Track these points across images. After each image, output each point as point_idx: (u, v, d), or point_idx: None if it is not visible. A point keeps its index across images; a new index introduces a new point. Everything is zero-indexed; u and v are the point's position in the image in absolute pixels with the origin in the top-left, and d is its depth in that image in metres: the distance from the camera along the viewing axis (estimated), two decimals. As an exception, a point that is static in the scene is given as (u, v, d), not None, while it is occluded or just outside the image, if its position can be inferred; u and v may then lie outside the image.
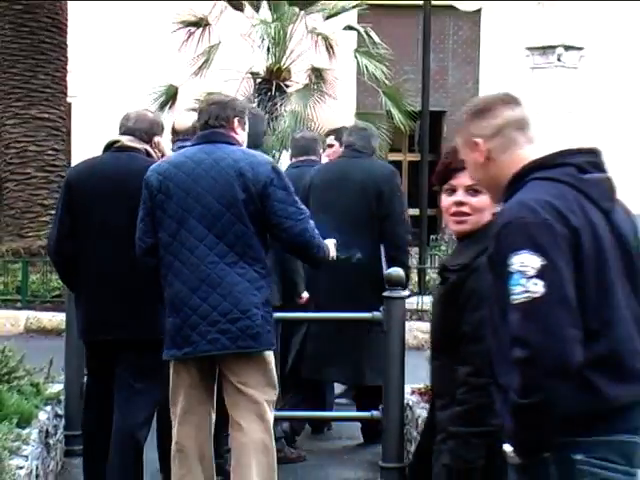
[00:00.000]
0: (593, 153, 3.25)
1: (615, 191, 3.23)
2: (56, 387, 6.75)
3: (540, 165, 3.17)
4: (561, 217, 3.01)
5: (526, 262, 2.95)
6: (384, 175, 7.53)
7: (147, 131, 5.84)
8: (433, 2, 16.64)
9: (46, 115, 13.59)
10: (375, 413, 6.66)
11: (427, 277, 14.33)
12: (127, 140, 5.74)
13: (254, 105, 15.84)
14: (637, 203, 20.76)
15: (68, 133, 16.17)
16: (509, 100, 3.31)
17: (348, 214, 7.23)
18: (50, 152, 13.92)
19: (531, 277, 2.93)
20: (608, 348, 2.98)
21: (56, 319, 12.04)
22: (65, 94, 14.29)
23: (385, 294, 6.52)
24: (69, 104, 16.46)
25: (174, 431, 5.29)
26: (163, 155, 5.96)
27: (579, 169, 3.16)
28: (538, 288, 2.92)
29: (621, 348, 3.01)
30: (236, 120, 5.35)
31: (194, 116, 6.29)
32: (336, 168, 7.61)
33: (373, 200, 7.35)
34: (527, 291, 2.93)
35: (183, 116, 7.12)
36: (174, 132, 6.76)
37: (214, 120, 5.30)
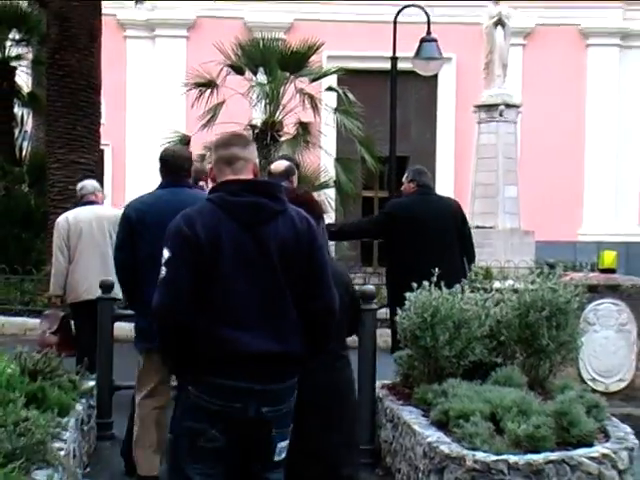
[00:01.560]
0: (248, 182, 3.64)
1: (261, 210, 3.59)
2: (90, 383, 6.72)
3: (213, 190, 3.70)
4: (191, 226, 3.53)
5: (163, 254, 3.59)
6: (458, 206, 8.01)
7: (193, 176, 6.23)
8: (398, 68, 16.72)
9: (83, 160, 13.56)
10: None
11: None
12: None
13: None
14: (564, 229, 20.62)
15: (101, 175, 16.11)
16: (226, 142, 3.75)
17: (444, 234, 7.54)
18: (85, 190, 13.90)
19: (162, 265, 3.57)
20: (211, 319, 3.51)
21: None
22: (98, 143, 14.28)
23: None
24: (102, 151, 16.45)
25: (141, 403, 5.57)
26: None
27: (231, 193, 3.60)
28: (163, 273, 3.56)
29: (223, 320, 3.52)
30: (192, 170, 5.86)
31: (286, 163, 6.81)
32: (423, 203, 7.69)
33: (460, 224, 7.77)
34: (160, 273, 3.57)
35: (278, 163, 7.43)
36: (270, 174, 7.12)
37: (180, 169, 5.69)
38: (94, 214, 8.02)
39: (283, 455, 3.69)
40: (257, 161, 3.79)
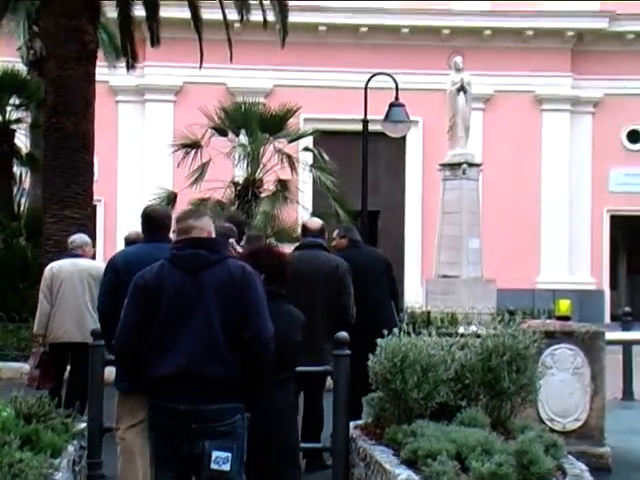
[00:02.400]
0: (190, 240, 4.14)
1: (199, 260, 4.08)
2: (81, 425, 6.63)
3: (173, 246, 4.23)
4: (143, 276, 4.16)
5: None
6: (385, 255, 8.34)
7: (225, 235, 6.22)
8: (369, 130, 16.85)
9: (77, 215, 13.49)
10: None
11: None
12: None
13: (234, 207, 15.94)
14: (523, 278, 20.66)
15: (93, 228, 16.07)
16: (183, 216, 4.28)
17: (380, 281, 7.78)
18: (79, 243, 13.82)
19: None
20: (151, 346, 4.01)
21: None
22: (91, 199, 14.25)
23: (334, 352, 6.47)
24: (94, 206, 16.43)
25: (122, 436, 5.48)
26: (236, 251, 6.54)
27: (178, 249, 4.15)
28: (121, 314, 4.19)
29: (160, 351, 3.98)
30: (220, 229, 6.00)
31: (319, 221, 6.90)
32: (361, 255, 7.87)
33: (388, 271, 7.96)
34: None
35: (313, 221, 7.86)
36: (306, 229, 7.21)
37: (162, 226, 5.75)
38: (76, 266, 8.39)
39: (225, 467, 3.94)
40: (211, 228, 4.27)
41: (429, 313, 16.54)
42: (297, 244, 7.84)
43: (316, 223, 7.57)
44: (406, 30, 26.41)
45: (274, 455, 4.87)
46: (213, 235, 4.25)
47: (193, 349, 3.94)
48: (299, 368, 5.75)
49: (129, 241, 8.26)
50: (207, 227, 4.22)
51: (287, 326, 4.75)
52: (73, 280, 8.30)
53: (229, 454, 3.92)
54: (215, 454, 3.90)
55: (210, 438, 3.90)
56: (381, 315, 7.61)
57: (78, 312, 8.24)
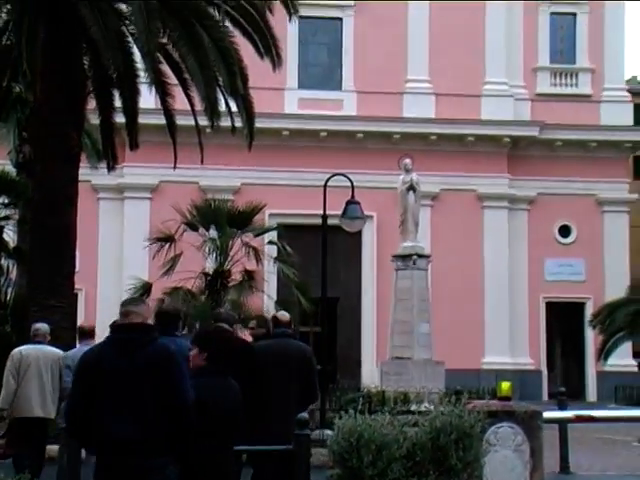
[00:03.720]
0: (125, 325, 4.48)
1: (131, 343, 4.41)
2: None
3: (112, 330, 4.54)
4: (85, 355, 4.53)
5: None
6: None
7: (231, 322, 7.08)
8: (328, 224, 16.99)
9: (60, 304, 13.38)
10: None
11: (326, 415, 14.07)
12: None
13: (204, 296, 15.89)
14: (469, 359, 20.62)
15: (75, 314, 15.87)
16: (125, 303, 4.60)
17: None
18: (61, 328, 13.64)
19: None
20: (96, 415, 4.33)
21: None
22: (73, 288, 14.14)
23: (295, 432, 6.42)
24: (76, 294, 16.26)
25: None
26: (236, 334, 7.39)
27: (114, 332, 4.49)
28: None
29: (102, 415, 4.32)
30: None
31: (288, 315, 7.68)
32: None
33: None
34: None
35: (283, 314, 7.98)
36: (278, 321, 7.49)
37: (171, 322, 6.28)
38: (41, 351, 9.02)
39: None
40: (147, 315, 4.62)
41: (384, 393, 16.46)
42: (272, 333, 7.90)
43: (286, 316, 7.95)
44: (361, 135, 26.97)
45: None
46: (149, 320, 4.66)
47: (130, 417, 4.32)
48: (264, 447, 5.69)
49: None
50: (143, 313, 4.58)
51: (234, 398, 4.92)
52: (39, 363, 8.90)
53: None
54: None
55: None
56: None
57: (42, 391, 8.83)
